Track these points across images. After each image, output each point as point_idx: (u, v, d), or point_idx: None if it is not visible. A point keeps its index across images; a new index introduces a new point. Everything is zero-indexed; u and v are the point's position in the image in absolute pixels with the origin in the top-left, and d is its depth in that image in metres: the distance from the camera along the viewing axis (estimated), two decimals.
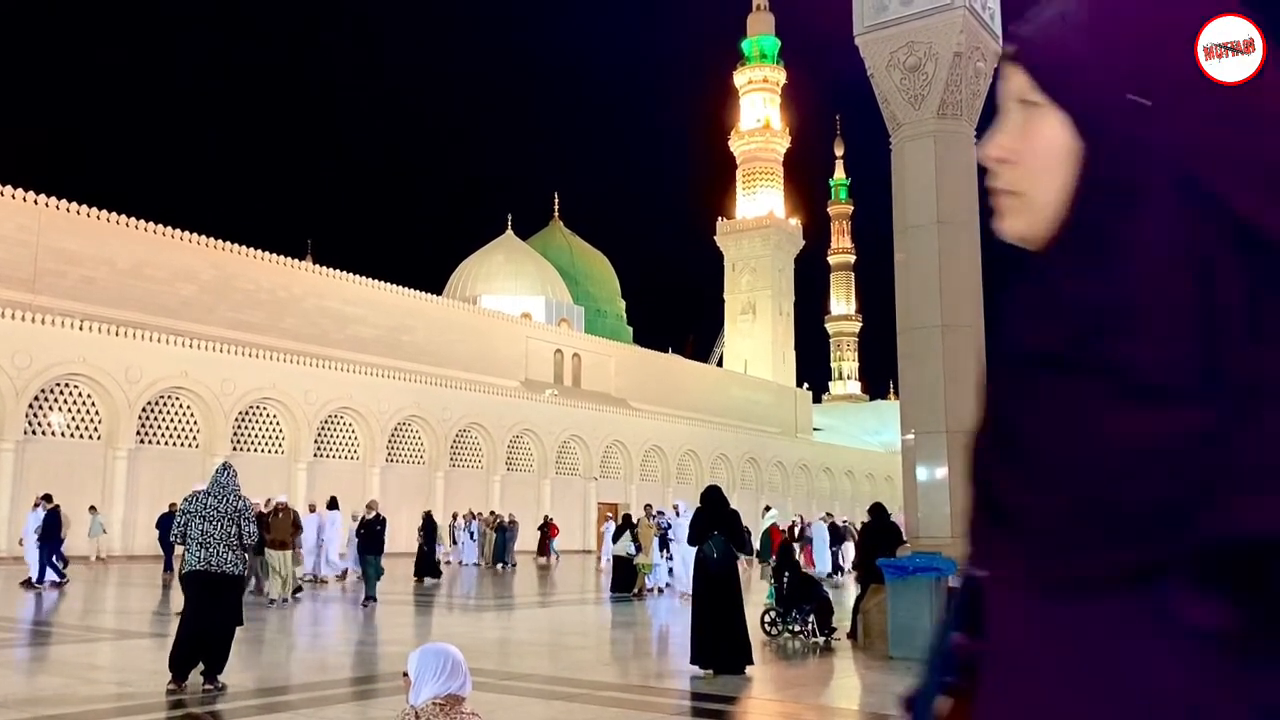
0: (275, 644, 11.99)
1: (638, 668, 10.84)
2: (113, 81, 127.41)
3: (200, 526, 8.13)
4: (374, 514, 17.37)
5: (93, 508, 26.85)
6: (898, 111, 11.95)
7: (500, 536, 30.63)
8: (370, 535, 17.01)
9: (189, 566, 8.18)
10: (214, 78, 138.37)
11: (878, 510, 13.04)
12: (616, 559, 20.60)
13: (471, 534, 31.56)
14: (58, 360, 29.83)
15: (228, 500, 8.34)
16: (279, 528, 16.47)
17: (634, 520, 20.94)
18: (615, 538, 20.86)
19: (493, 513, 34.15)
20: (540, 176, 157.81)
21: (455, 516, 33.20)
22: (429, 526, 24.06)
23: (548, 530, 34.16)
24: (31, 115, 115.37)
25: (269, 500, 18.03)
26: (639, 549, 19.95)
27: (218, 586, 8.20)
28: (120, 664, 10.27)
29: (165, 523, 22.46)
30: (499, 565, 29.85)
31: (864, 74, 12.21)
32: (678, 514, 19.05)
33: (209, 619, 8.08)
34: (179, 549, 8.70)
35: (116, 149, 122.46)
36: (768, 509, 19.02)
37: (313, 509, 22.80)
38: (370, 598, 16.01)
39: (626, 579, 19.87)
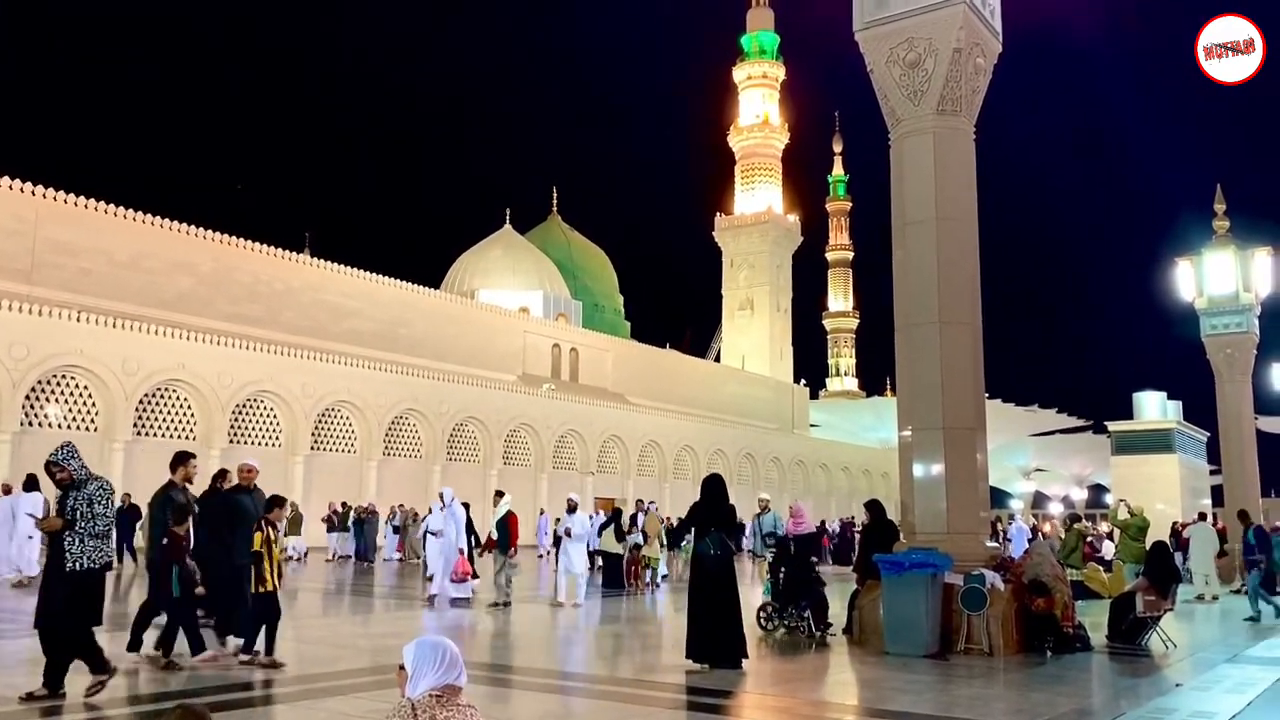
0: None
1: (632, 662, 10.85)
2: (111, 72, 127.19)
3: None
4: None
5: None
6: (897, 107, 11.95)
7: (359, 529, 28.86)
8: None
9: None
10: (212, 68, 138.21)
11: (875, 507, 13.04)
12: (605, 554, 20.46)
13: (397, 526, 29.81)
14: (54, 352, 29.78)
15: None
16: None
17: (623, 514, 20.97)
18: (600, 531, 20.51)
19: (343, 503, 32.01)
20: (539, 171, 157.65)
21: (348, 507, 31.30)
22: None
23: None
24: (29, 105, 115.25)
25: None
26: (645, 541, 19.97)
27: None
28: None
29: (123, 519, 20.96)
30: (358, 561, 28.02)
31: (863, 70, 12.21)
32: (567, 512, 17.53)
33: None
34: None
35: (114, 139, 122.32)
36: (500, 494, 16.59)
37: (8, 490, 18.68)
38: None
39: (615, 574, 19.83)
